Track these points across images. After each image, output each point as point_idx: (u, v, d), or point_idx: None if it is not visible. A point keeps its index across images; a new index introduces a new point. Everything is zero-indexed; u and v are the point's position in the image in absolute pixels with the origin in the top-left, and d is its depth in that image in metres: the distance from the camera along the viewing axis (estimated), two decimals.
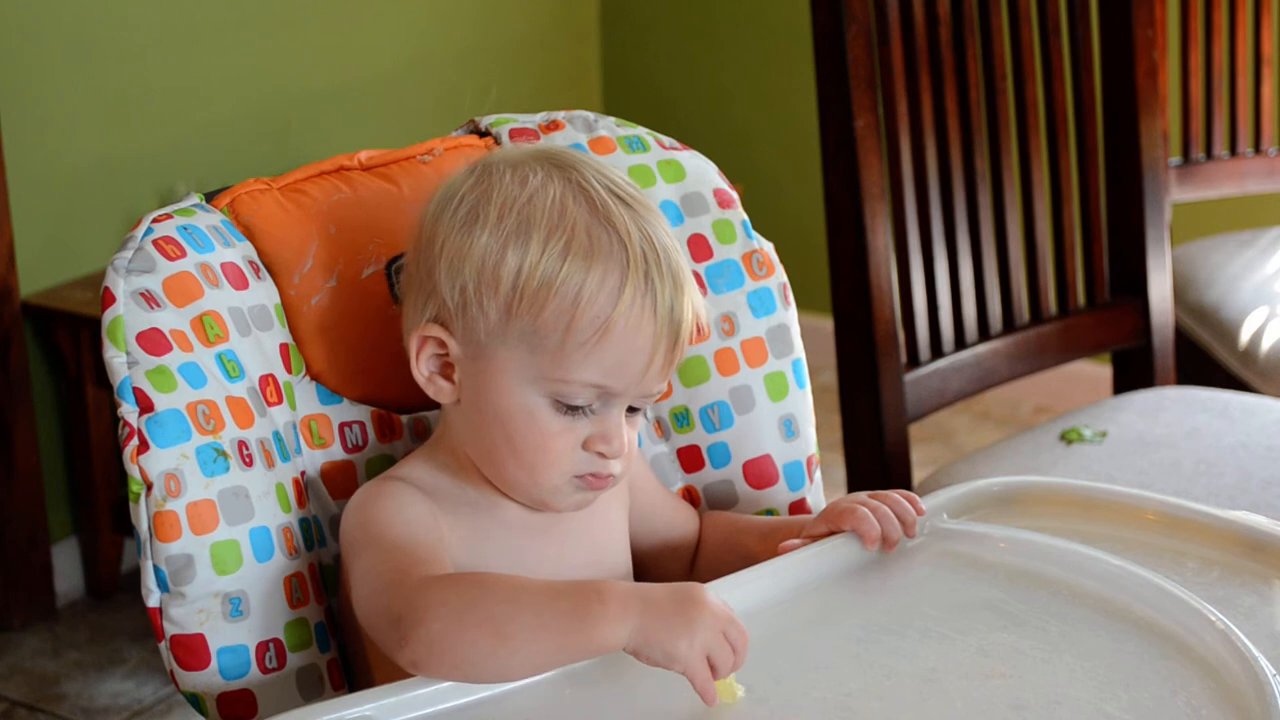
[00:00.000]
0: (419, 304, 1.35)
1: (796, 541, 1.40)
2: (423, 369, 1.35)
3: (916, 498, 1.42)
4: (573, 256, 1.30)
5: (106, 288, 1.35)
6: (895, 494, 1.42)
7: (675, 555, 1.49)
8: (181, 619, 1.31)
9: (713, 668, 1.20)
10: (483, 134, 1.56)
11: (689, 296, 1.34)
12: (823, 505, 1.49)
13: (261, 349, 1.39)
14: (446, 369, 1.35)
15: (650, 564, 1.48)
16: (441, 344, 1.34)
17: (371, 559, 1.29)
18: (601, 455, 1.33)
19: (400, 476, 1.37)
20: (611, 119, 1.58)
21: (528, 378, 1.31)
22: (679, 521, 1.50)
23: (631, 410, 1.35)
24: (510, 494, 1.36)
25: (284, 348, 1.41)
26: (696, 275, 1.54)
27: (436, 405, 1.40)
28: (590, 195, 1.32)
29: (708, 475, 1.54)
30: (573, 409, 1.32)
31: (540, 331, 1.30)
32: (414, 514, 1.33)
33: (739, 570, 1.36)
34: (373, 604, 1.27)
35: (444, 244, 1.33)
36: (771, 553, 1.39)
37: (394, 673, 1.27)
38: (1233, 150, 2.65)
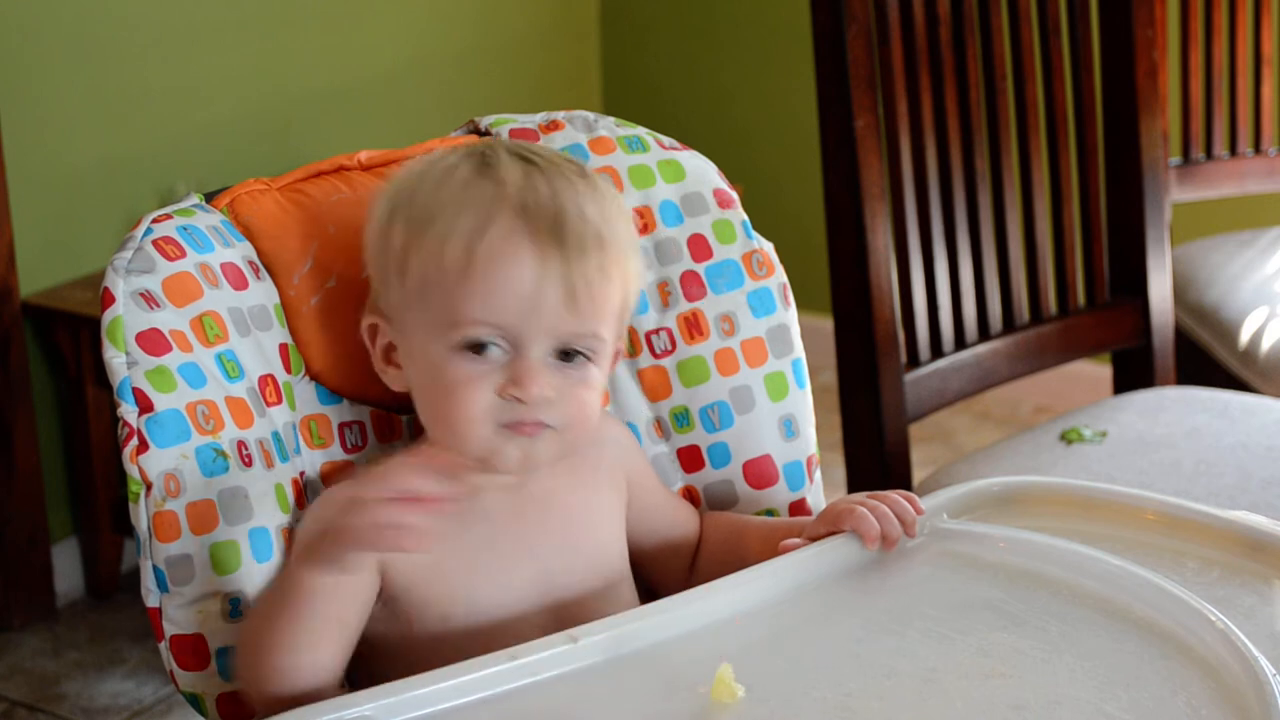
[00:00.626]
0: (366, 305, 1.40)
1: (797, 541, 1.40)
2: (378, 359, 1.39)
3: (915, 497, 1.42)
4: (447, 204, 1.33)
5: (106, 288, 1.35)
6: (894, 494, 1.42)
7: (676, 554, 1.49)
8: (181, 619, 1.31)
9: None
10: (482, 134, 1.56)
11: (594, 229, 1.33)
12: (823, 505, 1.49)
13: (261, 349, 1.39)
14: (394, 354, 1.38)
15: (651, 563, 1.48)
16: (382, 330, 1.37)
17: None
18: (517, 400, 1.32)
19: (348, 481, 1.38)
20: (611, 119, 1.58)
21: (433, 332, 1.33)
22: (680, 521, 1.50)
23: (570, 360, 1.34)
24: (464, 460, 1.35)
25: (283, 348, 1.41)
26: (696, 275, 1.54)
27: None
28: (486, 157, 1.36)
29: (708, 475, 1.54)
30: (478, 352, 1.32)
31: (427, 280, 1.32)
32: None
33: (739, 571, 1.36)
34: None
35: (367, 239, 1.38)
36: (772, 555, 1.39)
37: (392, 672, 1.27)
38: (1233, 150, 2.65)
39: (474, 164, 1.35)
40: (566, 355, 1.34)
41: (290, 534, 1.36)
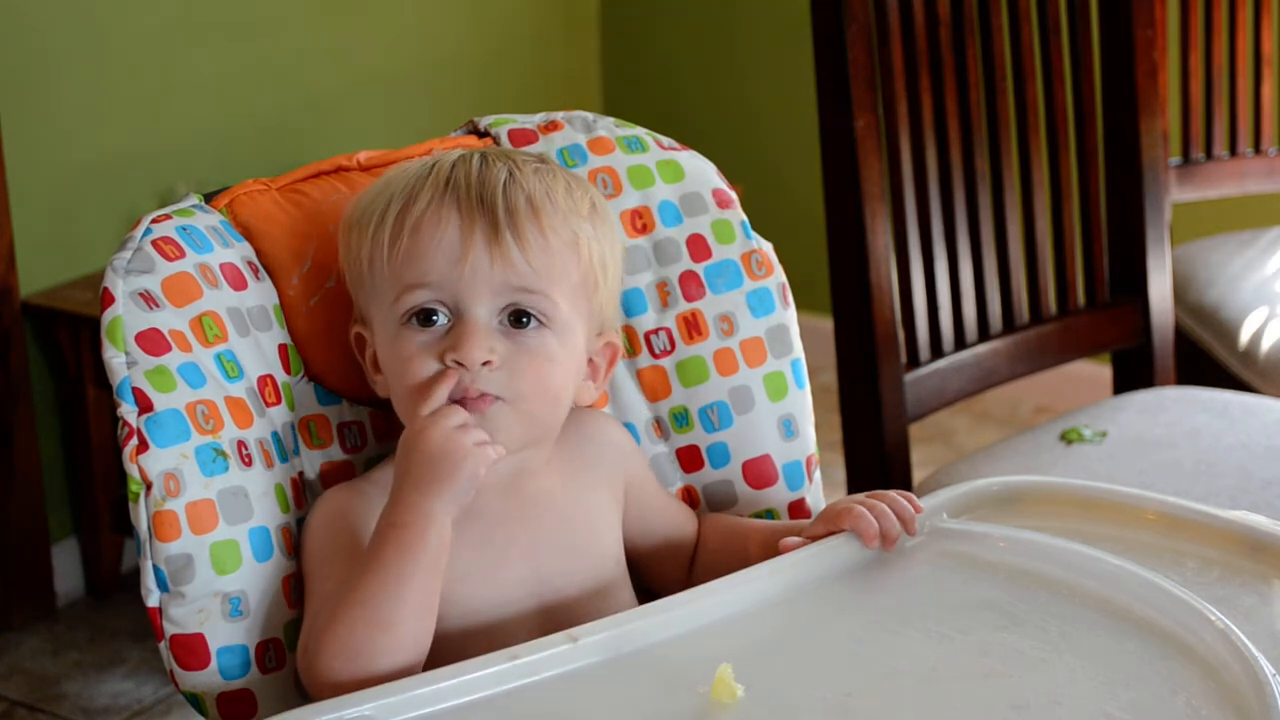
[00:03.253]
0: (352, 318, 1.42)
1: (797, 540, 1.40)
2: (369, 369, 1.40)
3: (914, 496, 1.42)
4: (387, 196, 1.36)
5: (106, 288, 1.35)
6: (893, 493, 1.42)
7: (673, 555, 1.49)
8: (181, 619, 1.31)
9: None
10: (481, 134, 1.56)
11: (526, 193, 1.34)
12: (822, 505, 1.49)
13: (260, 349, 1.39)
14: (376, 360, 1.39)
15: (648, 564, 1.48)
16: (364, 338, 1.39)
17: (308, 580, 1.35)
18: (458, 364, 1.32)
19: (357, 481, 1.39)
20: (611, 119, 1.58)
21: (385, 312, 1.35)
22: (678, 522, 1.50)
23: (522, 325, 1.34)
24: None
25: (282, 348, 1.42)
26: (695, 275, 1.54)
27: None
28: (443, 158, 1.38)
29: (707, 475, 1.54)
30: (424, 323, 1.33)
31: (374, 265, 1.35)
32: (343, 526, 1.35)
33: (739, 571, 1.36)
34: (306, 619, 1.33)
35: (340, 260, 1.41)
36: (773, 556, 1.39)
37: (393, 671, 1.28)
38: (1233, 150, 2.65)
39: (428, 162, 1.39)
40: (517, 319, 1.34)
41: (290, 533, 1.36)
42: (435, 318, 1.33)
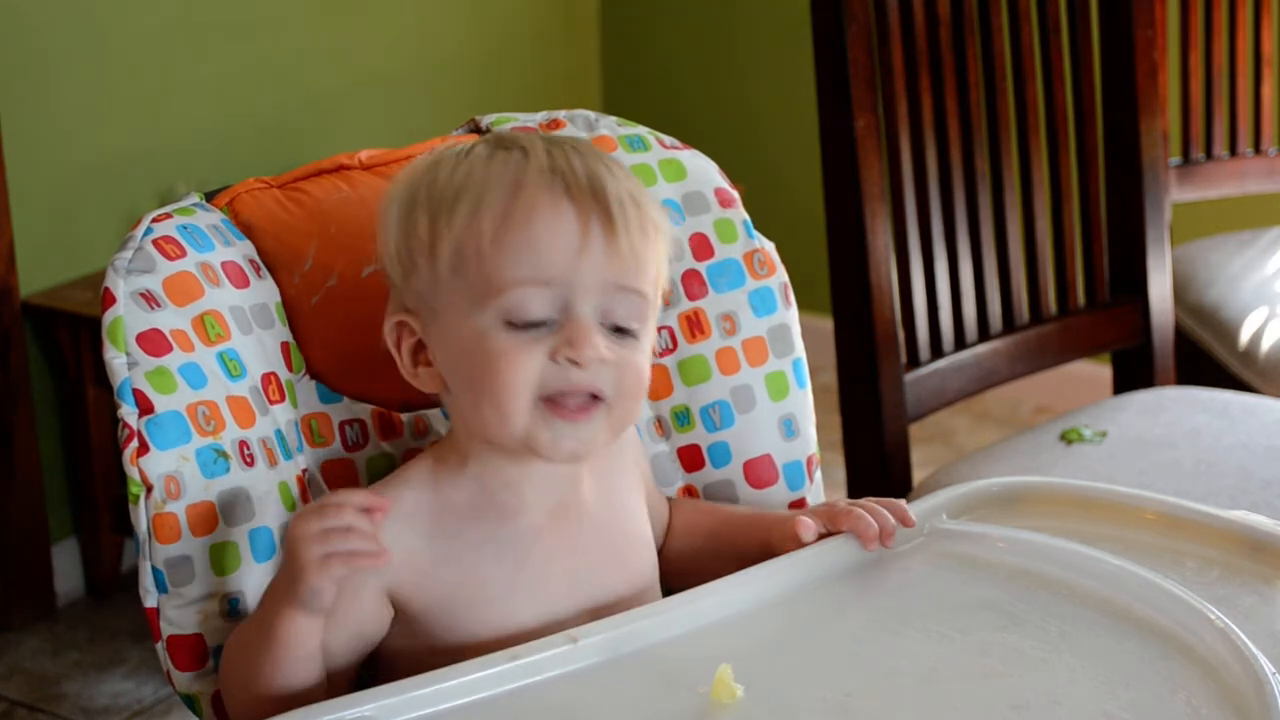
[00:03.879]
0: (389, 305, 1.36)
1: (812, 525, 1.39)
2: (406, 362, 1.34)
3: (905, 505, 1.42)
4: (473, 175, 1.29)
5: (106, 288, 1.34)
6: (876, 499, 1.42)
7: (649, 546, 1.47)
8: (179, 619, 1.31)
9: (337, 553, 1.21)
10: (483, 133, 1.56)
11: (625, 190, 1.29)
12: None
13: (263, 347, 1.39)
14: (422, 353, 1.33)
15: None
16: (410, 330, 1.33)
17: None
18: (572, 363, 1.26)
19: (392, 496, 1.33)
20: (612, 118, 1.58)
21: (472, 306, 1.28)
22: (661, 514, 1.49)
23: (621, 333, 1.29)
24: (501, 446, 1.30)
25: (285, 346, 1.41)
26: (698, 274, 1.54)
27: (436, 403, 1.39)
28: (502, 136, 1.33)
29: (708, 475, 1.54)
30: (527, 325, 1.27)
31: (461, 252, 1.28)
32: None
33: (711, 559, 1.36)
34: None
35: (384, 236, 1.33)
36: (764, 535, 1.40)
37: (399, 667, 1.27)
38: (1233, 150, 2.65)
39: (489, 145, 1.33)
40: (614, 327, 1.29)
41: None
42: (540, 323, 1.27)
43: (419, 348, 1.33)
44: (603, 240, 1.27)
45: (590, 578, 1.36)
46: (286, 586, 1.24)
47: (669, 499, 1.51)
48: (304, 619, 1.23)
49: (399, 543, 1.29)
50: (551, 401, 1.28)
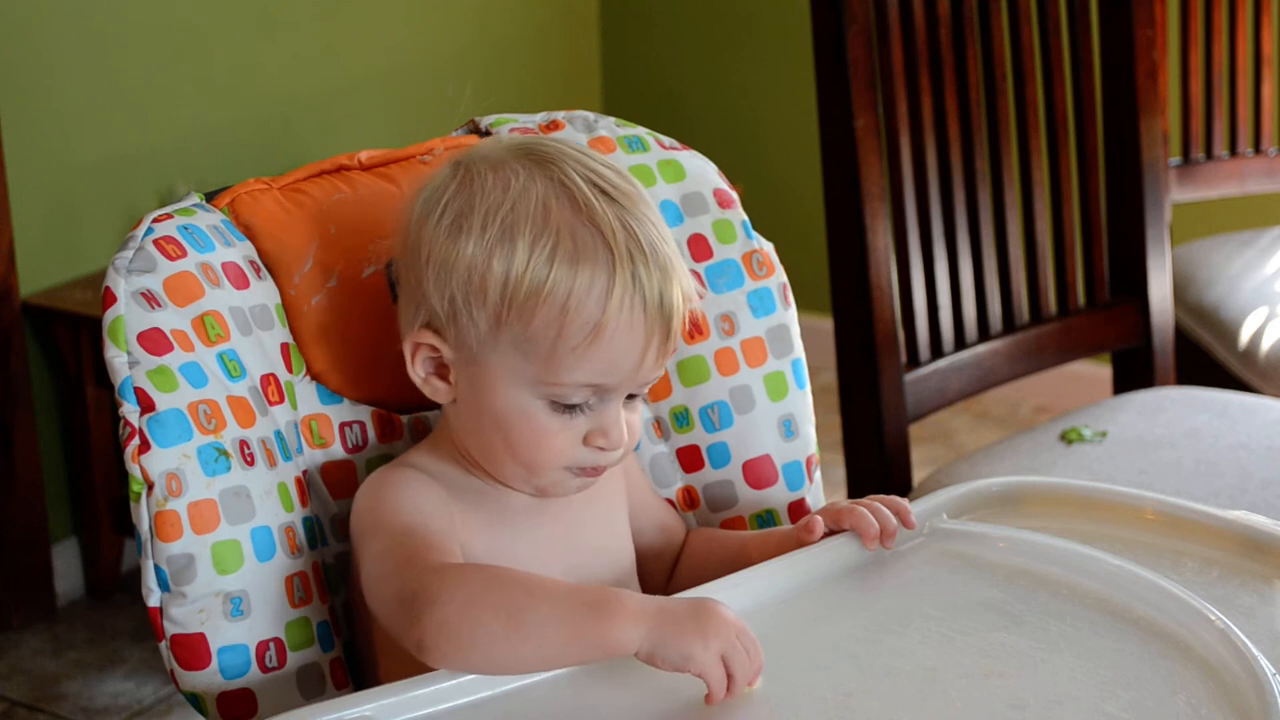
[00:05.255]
0: (411, 309, 1.35)
1: (819, 525, 1.40)
2: (419, 371, 1.36)
3: (905, 503, 1.42)
4: (559, 262, 1.29)
5: (107, 287, 1.35)
6: (879, 497, 1.42)
7: (658, 557, 1.49)
8: (182, 618, 1.31)
9: (730, 675, 1.20)
10: (483, 134, 1.56)
11: (678, 284, 1.33)
12: (822, 505, 1.49)
13: (263, 348, 1.39)
14: (442, 370, 1.35)
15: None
16: (435, 349, 1.34)
17: (384, 542, 1.30)
18: (601, 449, 1.33)
19: (411, 464, 1.38)
20: (611, 119, 1.58)
21: (522, 382, 1.32)
22: (667, 524, 1.50)
23: (630, 397, 1.35)
24: (510, 485, 1.37)
25: (285, 347, 1.42)
26: (696, 275, 1.54)
27: (436, 405, 1.40)
28: (573, 193, 1.31)
29: (707, 475, 1.54)
30: (570, 407, 1.32)
31: (531, 339, 1.30)
32: (425, 500, 1.33)
33: (739, 571, 1.36)
34: (384, 587, 1.27)
35: (430, 253, 1.32)
36: (765, 549, 1.41)
37: (402, 666, 1.27)
38: (1233, 150, 2.65)
39: (564, 204, 1.31)
40: (630, 395, 1.36)
41: (293, 532, 1.36)
42: (581, 405, 1.33)
43: (439, 363, 1.35)
44: (656, 355, 1.33)
45: (568, 565, 1.38)
46: (660, 628, 1.21)
47: (687, 529, 1.53)
48: (599, 648, 1.22)
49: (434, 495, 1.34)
50: (574, 468, 1.35)
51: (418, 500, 1.33)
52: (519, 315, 1.30)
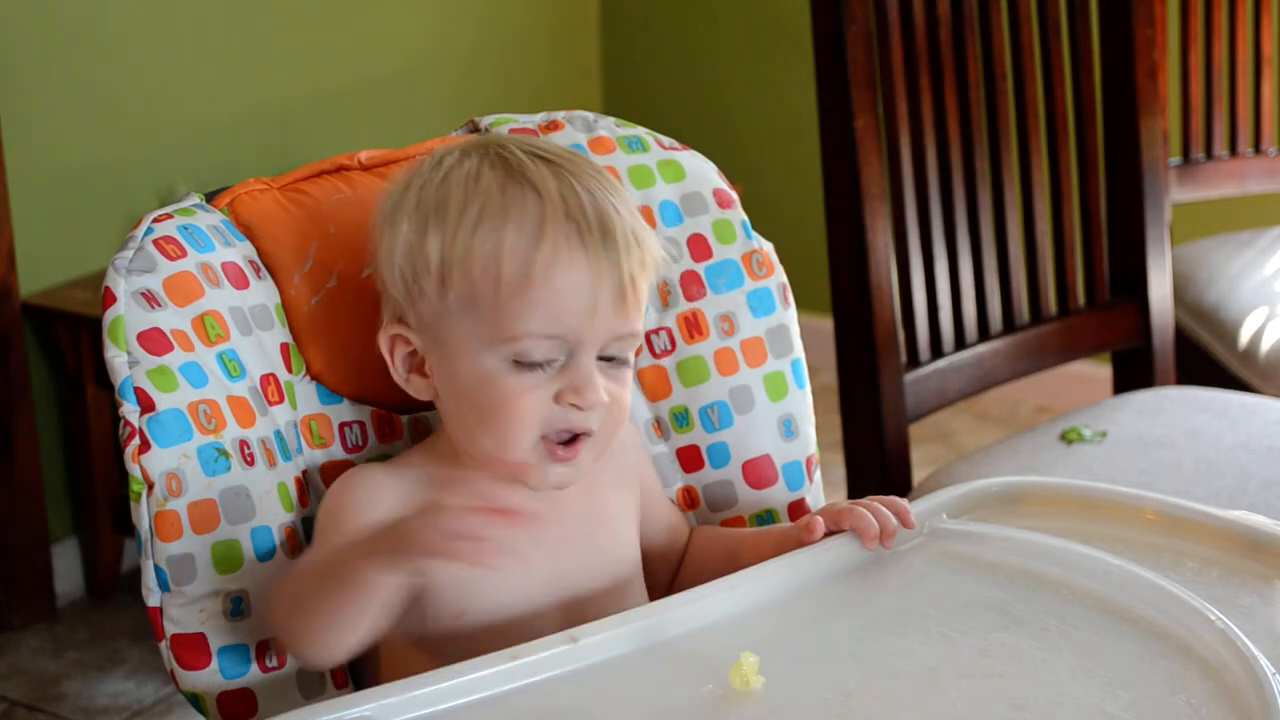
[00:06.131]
0: (383, 312, 1.37)
1: (820, 525, 1.39)
2: (399, 370, 1.37)
3: (905, 504, 1.42)
4: (488, 215, 1.31)
5: (107, 287, 1.35)
6: (879, 498, 1.42)
7: (663, 558, 1.49)
8: (182, 618, 1.32)
9: (476, 538, 1.19)
10: (482, 134, 1.56)
11: (625, 228, 1.32)
12: (822, 505, 1.49)
13: (262, 348, 1.39)
14: (419, 365, 1.36)
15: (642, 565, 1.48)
16: (406, 340, 1.35)
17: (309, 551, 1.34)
18: (575, 407, 1.32)
19: (377, 465, 1.38)
20: (611, 119, 1.58)
21: (481, 345, 1.32)
22: (674, 526, 1.50)
23: (612, 361, 1.34)
24: (490, 471, 1.34)
25: (284, 347, 1.42)
26: (696, 275, 1.54)
27: (435, 405, 1.40)
28: (507, 159, 1.34)
29: (707, 475, 1.54)
30: (534, 365, 1.31)
31: (475, 295, 1.31)
32: (372, 503, 1.33)
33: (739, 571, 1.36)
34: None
35: (379, 244, 1.35)
36: (766, 547, 1.41)
37: (402, 666, 1.28)
38: (1233, 150, 2.65)
39: (498, 169, 1.34)
40: (607, 357, 1.34)
41: (294, 532, 1.36)
42: (546, 363, 1.31)
43: (414, 358, 1.36)
44: (612, 295, 1.31)
45: (572, 565, 1.38)
46: (384, 541, 1.23)
47: (691, 528, 1.52)
48: (392, 577, 1.24)
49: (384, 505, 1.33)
50: (548, 440, 1.33)
51: (361, 502, 1.33)
52: (460, 273, 1.31)
